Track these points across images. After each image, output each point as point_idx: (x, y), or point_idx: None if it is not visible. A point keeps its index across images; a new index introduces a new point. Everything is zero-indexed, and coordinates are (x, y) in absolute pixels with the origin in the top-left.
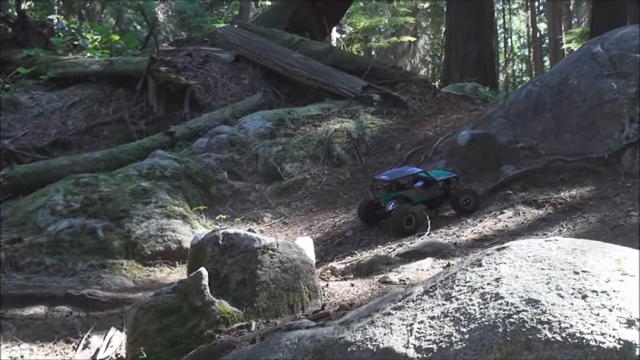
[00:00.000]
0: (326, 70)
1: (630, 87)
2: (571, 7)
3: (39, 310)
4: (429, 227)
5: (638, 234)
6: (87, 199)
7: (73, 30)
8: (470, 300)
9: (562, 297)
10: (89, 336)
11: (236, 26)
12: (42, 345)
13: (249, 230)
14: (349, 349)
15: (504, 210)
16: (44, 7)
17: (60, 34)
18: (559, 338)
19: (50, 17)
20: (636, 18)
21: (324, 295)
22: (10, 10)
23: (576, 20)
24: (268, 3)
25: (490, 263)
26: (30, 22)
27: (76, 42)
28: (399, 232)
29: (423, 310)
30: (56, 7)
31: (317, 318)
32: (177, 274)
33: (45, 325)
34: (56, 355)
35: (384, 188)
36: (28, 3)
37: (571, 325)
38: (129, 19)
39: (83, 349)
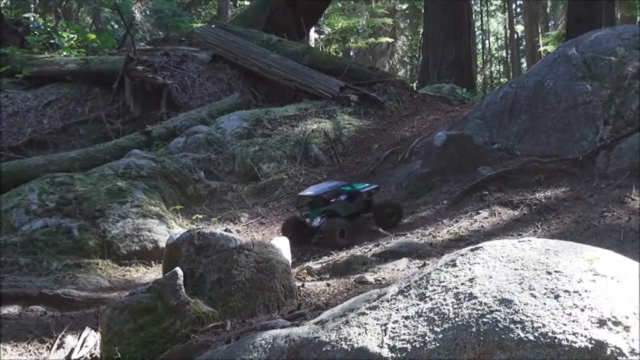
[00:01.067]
0: (304, 70)
1: (604, 89)
2: (548, 10)
3: (12, 309)
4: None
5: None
6: (62, 199)
7: (49, 29)
8: (444, 300)
9: (535, 297)
10: (63, 336)
11: (214, 26)
12: (16, 345)
13: (226, 230)
14: (324, 348)
15: (480, 211)
16: (20, 5)
17: (35, 32)
18: (531, 337)
19: (26, 15)
20: (611, 21)
21: (299, 295)
22: None
23: (553, 22)
24: (247, 3)
25: (465, 263)
26: (6, 20)
27: (52, 41)
28: (333, 245)
29: (397, 310)
30: (32, 5)
31: (293, 318)
32: (153, 273)
33: (19, 325)
34: (30, 355)
35: (308, 204)
36: (4, 1)
37: (544, 325)
38: (105, 17)
39: (57, 348)
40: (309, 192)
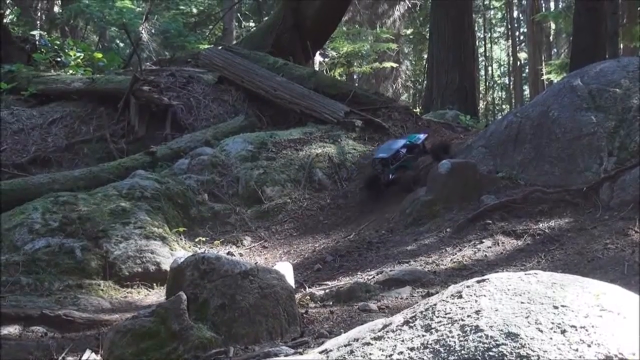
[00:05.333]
0: (309, 94)
1: (609, 120)
2: (551, 38)
3: (13, 330)
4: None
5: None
6: (65, 218)
7: (55, 47)
8: (450, 332)
9: (542, 331)
10: (63, 358)
11: (220, 48)
12: None
13: (228, 253)
14: None
15: (483, 240)
16: (27, 23)
17: (42, 50)
18: None
19: (33, 32)
20: (614, 52)
21: (302, 322)
22: None
23: (556, 50)
24: (252, 24)
25: (471, 295)
26: (13, 38)
27: (58, 59)
28: (409, 190)
29: (403, 341)
30: (38, 23)
31: (296, 345)
32: (155, 295)
33: (19, 346)
34: None
35: (379, 163)
36: (10, 17)
37: None
38: (111, 36)
39: None
40: (382, 154)
